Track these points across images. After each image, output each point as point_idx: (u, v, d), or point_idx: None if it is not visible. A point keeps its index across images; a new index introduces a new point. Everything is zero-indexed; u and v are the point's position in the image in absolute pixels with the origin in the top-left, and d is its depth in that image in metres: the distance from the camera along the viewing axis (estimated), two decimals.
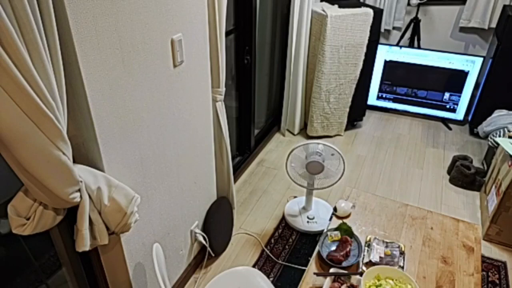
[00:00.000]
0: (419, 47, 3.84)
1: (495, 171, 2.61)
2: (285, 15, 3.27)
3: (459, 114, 3.74)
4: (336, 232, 1.69)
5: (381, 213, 1.87)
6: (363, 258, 1.59)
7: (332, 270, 1.51)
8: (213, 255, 2.27)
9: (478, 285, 1.51)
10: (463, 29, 3.90)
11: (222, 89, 2.01)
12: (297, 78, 3.32)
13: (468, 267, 1.58)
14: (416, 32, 3.82)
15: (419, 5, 3.80)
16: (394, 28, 4.15)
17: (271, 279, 2.21)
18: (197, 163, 1.98)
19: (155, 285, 1.86)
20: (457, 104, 3.71)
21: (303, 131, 3.69)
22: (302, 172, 2.40)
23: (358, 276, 1.46)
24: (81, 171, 1.21)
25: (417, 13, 3.83)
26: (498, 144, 2.72)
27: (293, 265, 2.30)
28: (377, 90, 3.93)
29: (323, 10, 3.07)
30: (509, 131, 2.85)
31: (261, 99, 3.38)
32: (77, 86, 1.16)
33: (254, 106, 3.02)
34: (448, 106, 3.76)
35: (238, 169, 3.02)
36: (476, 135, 3.64)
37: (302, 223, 2.56)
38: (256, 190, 2.93)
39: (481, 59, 3.45)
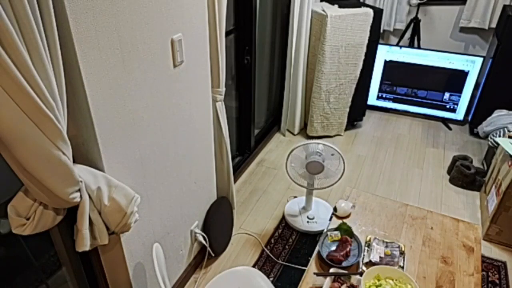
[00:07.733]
0: (419, 47, 3.84)
1: (495, 171, 2.61)
2: (285, 15, 3.27)
3: (459, 114, 3.74)
4: (336, 232, 1.69)
5: (381, 213, 1.87)
6: (363, 258, 1.59)
7: (332, 270, 1.51)
8: (213, 255, 2.27)
9: (478, 285, 1.51)
10: (463, 29, 3.90)
11: (222, 89, 2.01)
12: (297, 78, 3.32)
13: (468, 267, 1.58)
14: (416, 32, 3.82)
15: (419, 5, 3.80)
16: (394, 30, 4.14)
17: (271, 279, 2.21)
18: (197, 163, 1.98)
19: (155, 285, 1.86)
20: (457, 104, 3.71)
21: (303, 131, 3.69)
22: (302, 172, 2.40)
23: (358, 276, 1.46)
24: (81, 171, 1.21)
25: (417, 13, 3.83)
26: (498, 144, 2.72)
27: (293, 265, 2.30)
28: (377, 90, 3.93)
29: (323, 10, 3.07)
30: (509, 131, 2.85)
31: (261, 99, 3.38)
32: (77, 86, 1.16)
33: (254, 106, 3.02)
34: (448, 106, 3.75)
35: (238, 169, 3.02)
36: (476, 135, 3.64)
37: (302, 223, 2.56)
38: (256, 190, 2.93)
39: (481, 59, 3.45)
